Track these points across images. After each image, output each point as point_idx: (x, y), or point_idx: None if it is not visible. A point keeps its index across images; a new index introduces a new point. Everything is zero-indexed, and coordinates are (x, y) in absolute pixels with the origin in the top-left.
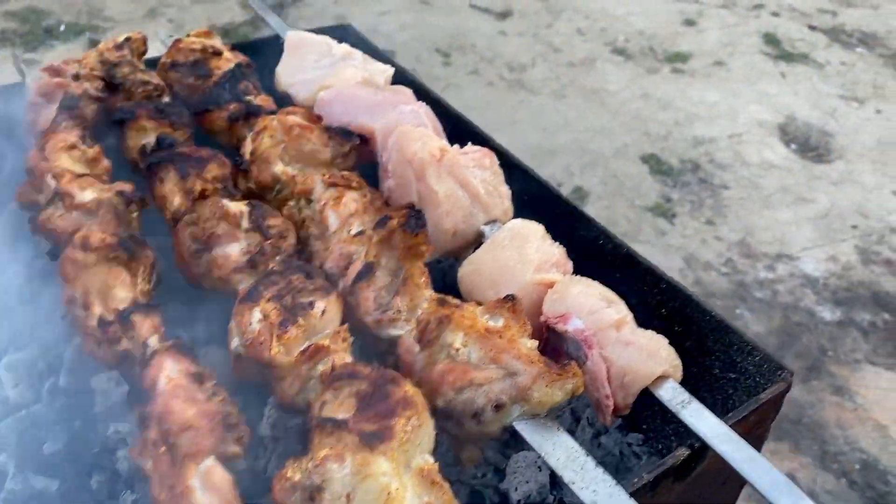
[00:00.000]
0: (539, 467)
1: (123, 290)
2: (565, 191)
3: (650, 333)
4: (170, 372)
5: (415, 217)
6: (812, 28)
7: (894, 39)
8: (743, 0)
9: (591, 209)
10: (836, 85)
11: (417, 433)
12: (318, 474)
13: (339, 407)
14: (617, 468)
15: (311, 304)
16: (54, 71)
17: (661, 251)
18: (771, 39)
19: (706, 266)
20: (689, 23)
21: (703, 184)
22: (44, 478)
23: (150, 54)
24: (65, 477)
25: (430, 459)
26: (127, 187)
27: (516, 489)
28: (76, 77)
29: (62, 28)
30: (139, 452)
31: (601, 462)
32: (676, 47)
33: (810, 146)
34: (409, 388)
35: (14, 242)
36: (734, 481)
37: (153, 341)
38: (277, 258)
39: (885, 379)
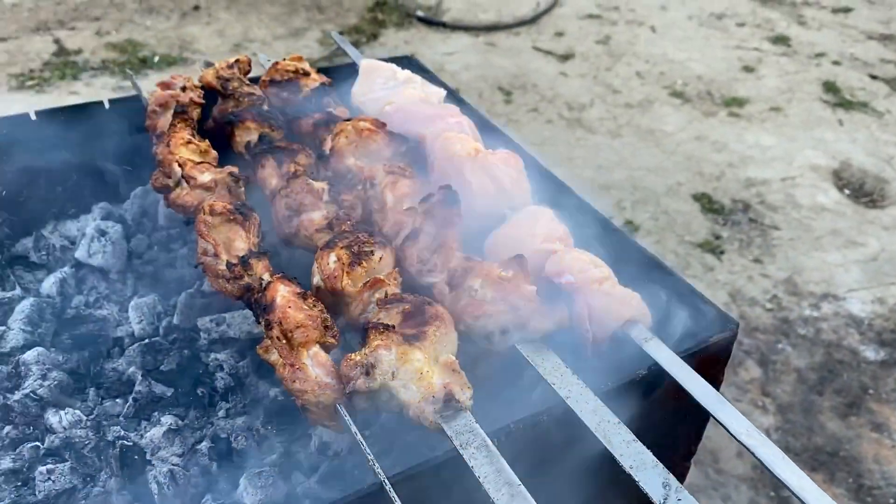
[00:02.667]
0: None
1: (241, 242)
2: (616, 224)
3: (626, 289)
4: (283, 292)
5: (451, 195)
6: (873, 77)
7: None
8: (804, 48)
9: (641, 243)
10: (895, 133)
11: (444, 338)
12: (373, 357)
13: (389, 321)
14: None
15: (372, 252)
16: (165, 85)
17: (708, 285)
18: (830, 87)
19: (751, 301)
20: (748, 69)
21: (754, 223)
22: (162, 386)
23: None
24: (177, 387)
25: (453, 357)
26: (235, 169)
27: None
28: (183, 88)
29: (156, 59)
30: (265, 350)
31: None
32: (734, 92)
33: (864, 191)
34: (440, 309)
35: (140, 219)
36: (695, 417)
37: (266, 276)
38: (348, 223)
39: None
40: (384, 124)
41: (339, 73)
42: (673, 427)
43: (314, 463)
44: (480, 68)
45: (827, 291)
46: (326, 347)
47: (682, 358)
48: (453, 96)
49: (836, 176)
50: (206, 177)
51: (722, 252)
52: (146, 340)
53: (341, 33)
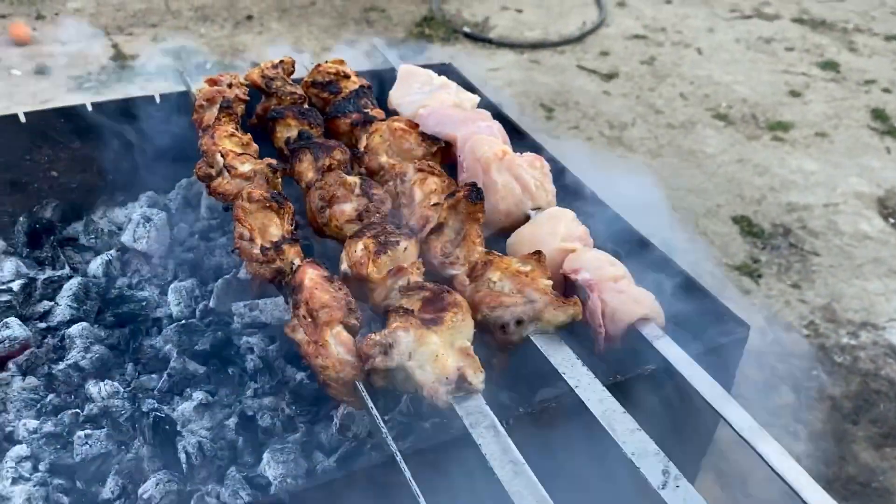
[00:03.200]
0: None
1: (275, 228)
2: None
3: (641, 289)
4: (311, 275)
5: (475, 191)
6: None
7: None
8: (853, 75)
9: (677, 262)
10: None
11: (461, 325)
12: (391, 337)
13: (410, 307)
14: None
15: (397, 243)
16: (213, 82)
17: (743, 308)
18: (879, 115)
19: (787, 327)
20: (795, 94)
21: (794, 249)
22: (195, 364)
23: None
24: (209, 366)
25: (468, 343)
26: (273, 161)
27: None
28: (229, 85)
29: (208, 66)
30: (292, 329)
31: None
32: (779, 116)
33: None
34: (458, 297)
35: (183, 209)
36: (703, 415)
37: (297, 261)
38: (377, 215)
39: None
40: (417, 125)
41: (379, 77)
42: (683, 424)
43: (334, 444)
44: (523, 84)
45: (866, 320)
46: (349, 328)
47: (692, 356)
48: (487, 102)
49: (880, 204)
50: (245, 167)
51: (759, 276)
52: (183, 321)
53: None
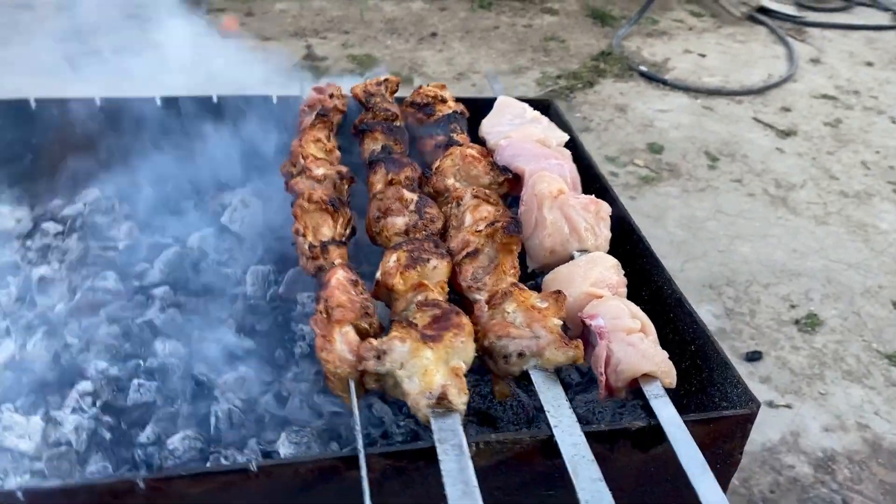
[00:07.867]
0: None
1: (328, 229)
2: (798, 314)
3: (655, 346)
4: (339, 276)
5: (513, 224)
6: None
7: None
8: None
9: (820, 339)
10: None
11: (460, 346)
12: (387, 345)
13: (421, 321)
14: None
15: (428, 260)
16: (318, 90)
17: (886, 400)
18: None
19: None
20: None
21: None
22: (250, 342)
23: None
24: (262, 345)
25: (462, 364)
26: (344, 169)
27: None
28: (331, 96)
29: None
30: (314, 322)
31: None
32: None
33: None
34: (464, 319)
35: (266, 206)
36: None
37: (337, 262)
38: (423, 232)
39: None
40: (488, 154)
41: (484, 105)
42: (670, 486)
43: (350, 437)
44: (691, 129)
45: None
46: (360, 330)
47: (688, 422)
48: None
49: None
50: (319, 171)
51: None
52: (251, 301)
53: (558, 77)
